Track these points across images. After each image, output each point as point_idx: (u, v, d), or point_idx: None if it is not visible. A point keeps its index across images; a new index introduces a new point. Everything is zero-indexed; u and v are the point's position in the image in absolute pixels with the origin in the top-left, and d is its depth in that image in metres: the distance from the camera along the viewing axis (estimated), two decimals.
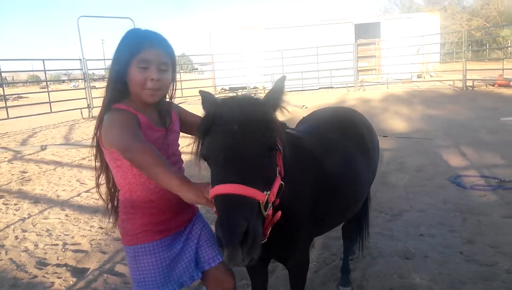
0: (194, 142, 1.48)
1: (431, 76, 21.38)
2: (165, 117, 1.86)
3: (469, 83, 15.27)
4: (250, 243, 1.20)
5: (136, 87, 1.71)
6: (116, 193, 1.91)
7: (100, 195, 1.95)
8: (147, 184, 1.76)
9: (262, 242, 1.34)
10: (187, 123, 1.99)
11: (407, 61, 18.76)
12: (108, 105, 1.72)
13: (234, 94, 1.55)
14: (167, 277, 1.84)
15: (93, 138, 1.83)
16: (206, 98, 1.64)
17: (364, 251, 3.34)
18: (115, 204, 1.94)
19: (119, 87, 1.74)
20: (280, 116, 1.87)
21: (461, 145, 6.99)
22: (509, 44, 27.17)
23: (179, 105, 2.07)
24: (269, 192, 1.33)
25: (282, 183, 1.47)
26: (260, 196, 1.29)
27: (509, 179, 4.96)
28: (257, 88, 20.05)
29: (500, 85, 14.65)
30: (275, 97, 1.54)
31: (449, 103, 12.12)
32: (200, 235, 1.96)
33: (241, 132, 1.33)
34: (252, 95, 1.52)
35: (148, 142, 1.59)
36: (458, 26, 41.02)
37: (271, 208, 1.36)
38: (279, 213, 1.43)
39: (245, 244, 1.19)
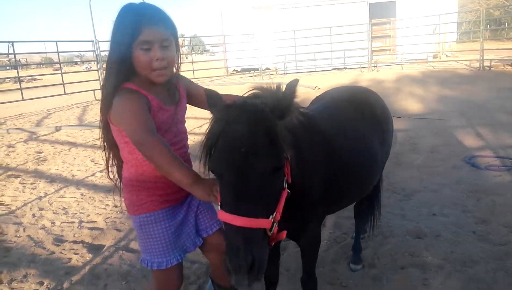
0: (201, 154, 1.44)
1: (447, 56, 20.91)
2: (174, 93, 1.86)
3: (486, 63, 14.91)
4: (255, 271, 1.27)
5: (143, 70, 1.70)
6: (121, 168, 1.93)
7: (109, 177, 1.99)
8: None
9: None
10: (195, 96, 1.99)
11: (422, 41, 18.34)
12: (115, 87, 1.69)
13: (242, 101, 1.44)
14: (173, 244, 1.91)
15: (101, 121, 1.83)
16: (213, 102, 1.56)
17: (375, 230, 3.34)
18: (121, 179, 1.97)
19: (125, 68, 1.70)
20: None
21: (477, 125, 6.88)
22: None
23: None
24: (275, 214, 1.37)
25: (289, 191, 1.49)
26: (266, 224, 1.32)
27: None
28: (269, 69, 19.88)
29: None
30: (285, 105, 1.44)
31: (465, 84, 11.87)
32: (199, 203, 2.03)
33: (248, 155, 1.30)
34: (261, 103, 1.40)
35: (158, 124, 1.67)
36: (476, 4, 39.77)
37: (276, 226, 1.38)
38: (284, 233, 1.46)
39: (252, 273, 1.26)
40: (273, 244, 1.43)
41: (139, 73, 1.72)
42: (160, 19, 1.70)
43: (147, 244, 1.89)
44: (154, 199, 1.85)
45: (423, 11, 18.89)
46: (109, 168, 1.97)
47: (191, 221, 2.00)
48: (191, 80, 2.09)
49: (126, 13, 1.70)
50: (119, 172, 1.96)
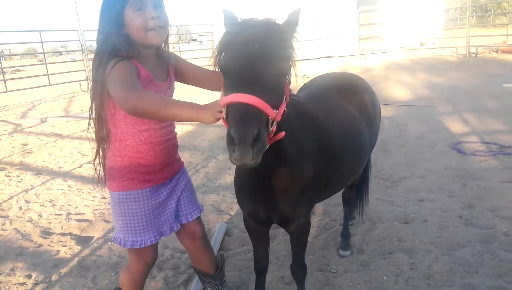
0: (212, 54, 1.52)
1: (434, 43, 21.01)
2: (164, 70, 1.86)
3: (472, 50, 15.04)
4: (259, 145, 1.30)
5: (139, 32, 1.68)
6: (106, 142, 1.88)
7: (96, 167, 1.95)
8: (138, 135, 1.80)
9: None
10: (186, 74, 1.99)
11: (409, 28, 18.39)
12: (110, 56, 1.66)
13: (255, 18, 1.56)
14: (150, 225, 1.92)
15: (92, 108, 1.79)
16: (229, 16, 1.60)
17: (363, 217, 3.37)
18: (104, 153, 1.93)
19: (121, 40, 1.68)
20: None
21: (463, 112, 6.95)
22: None
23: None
24: (277, 111, 1.41)
25: (286, 109, 1.52)
26: (271, 112, 1.37)
27: (510, 145, 4.95)
28: None
29: (504, 52, 14.43)
30: (291, 27, 1.55)
31: (452, 70, 11.98)
32: (183, 189, 2.04)
33: (261, 49, 1.39)
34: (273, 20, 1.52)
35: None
36: None
37: (275, 125, 1.43)
38: (283, 133, 1.52)
39: (255, 146, 1.29)
40: (268, 145, 1.46)
41: (136, 39, 1.71)
42: None
43: (123, 222, 1.89)
44: (135, 176, 1.84)
45: None
46: (98, 159, 1.94)
47: (172, 205, 2.00)
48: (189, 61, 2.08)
49: None
50: (103, 143, 1.91)
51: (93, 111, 1.79)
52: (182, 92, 5.81)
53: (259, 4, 19.96)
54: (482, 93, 8.32)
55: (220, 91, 1.57)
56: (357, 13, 18.46)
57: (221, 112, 1.41)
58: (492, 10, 32.53)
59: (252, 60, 1.38)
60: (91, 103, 1.79)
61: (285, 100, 1.53)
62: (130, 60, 1.68)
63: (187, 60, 2.05)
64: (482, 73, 10.94)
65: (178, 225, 2.05)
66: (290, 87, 1.87)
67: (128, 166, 1.82)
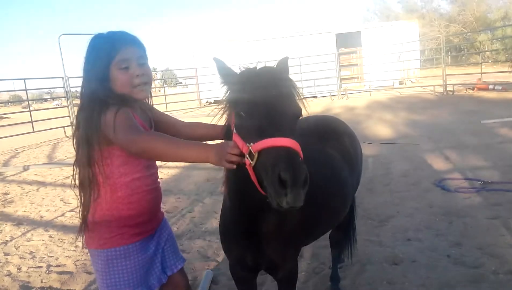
0: (225, 104, 1.60)
1: (412, 82, 21.75)
2: (148, 120, 1.88)
3: (449, 88, 15.58)
4: (308, 186, 1.33)
5: (124, 88, 1.70)
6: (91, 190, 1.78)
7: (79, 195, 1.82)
8: (131, 184, 1.76)
9: None
10: (161, 122, 1.99)
11: (388, 69, 19.06)
12: (101, 106, 1.64)
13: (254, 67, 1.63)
14: (140, 280, 1.85)
15: (79, 154, 1.74)
16: (221, 65, 1.64)
17: (353, 259, 3.33)
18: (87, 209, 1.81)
19: (107, 93, 1.69)
20: None
21: (445, 149, 7.09)
22: (486, 49, 27.85)
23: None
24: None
25: None
26: (301, 155, 1.40)
27: (492, 181, 5.03)
28: None
29: (480, 89, 14.97)
30: (286, 72, 1.65)
31: (431, 108, 12.33)
32: (166, 239, 2.00)
33: (280, 91, 1.46)
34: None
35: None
36: (436, 32, 41.91)
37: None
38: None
39: (306, 186, 1.32)
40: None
41: (121, 93, 1.71)
42: (132, 38, 1.76)
43: (112, 281, 1.80)
44: (125, 231, 1.77)
45: (387, 40, 19.75)
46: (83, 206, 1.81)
47: (158, 257, 1.96)
48: (164, 112, 2.11)
49: (98, 39, 1.74)
50: (84, 212, 1.81)
51: (82, 160, 1.73)
52: None
53: (245, 52, 20.58)
54: (462, 130, 8.53)
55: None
56: (337, 55, 19.11)
57: (234, 154, 1.43)
58: (466, 50, 34.05)
59: (276, 102, 1.43)
60: (78, 151, 1.73)
61: None
62: (127, 107, 1.68)
63: (167, 109, 2.08)
64: (460, 110, 11.27)
65: (166, 276, 1.99)
66: None
67: (117, 219, 1.76)
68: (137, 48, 1.75)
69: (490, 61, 25.87)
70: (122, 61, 1.68)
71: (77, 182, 1.79)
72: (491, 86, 14.64)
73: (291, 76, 1.66)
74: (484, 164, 5.94)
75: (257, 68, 1.58)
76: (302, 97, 1.61)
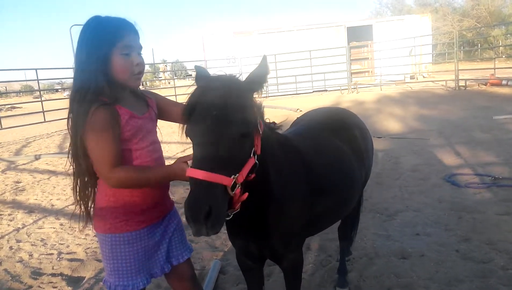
0: (181, 124, 1.60)
1: (423, 76, 21.51)
2: (142, 104, 1.87)
3: (461, 83, 15.37)
4: (212, 221, 1.35)
5: (124, 74, 1.71)
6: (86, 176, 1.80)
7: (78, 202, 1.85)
8: None
9: (234, 212, 1.51)
10: (166, 111, 1.99)
11: (399, 63, 18.86)
12: (94, 94, 1.64)
13: (220, 74, 1.62)
14: (142, 268, 1.87)
15: (73, 144, 1.72)
16: (200, 73, 1.70)
17: (360, 252, 3.33)
18: (91, 193, 1.85)
19: (103, 79, 1.67)
20: (274, 119, 1.91)
21: (455, 144, 7.03)
22: (500, 44, 27.42)
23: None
24: (237, 175, 1.44)
25: (257, 162, 1.56)
26: (226, 181, 1.40)
27: (503, 177, 4.99)
28: None
29: (492, 84, 14.76)
30: (258, 77, 1.60)
31: (442, 103, 12.19)
32: (175, 229, 2.01)
33: (216, 119, 1.42)
34: (237, 76, 1.61)
35: (132, 131, 1.72)
36: (449, 27, 41.34)
37: (239, 187, 1.46)
38: (246, 194, 1.51)
39: (208, 221, 1.34)
40: (237, 206, 1.51)
41: (117, 79, 1.71)
42: (134, 28, 1.76)
43: (115, 265, 1.82)
44: (129, 218, 1.79)
45: (399, 34, 19.52)
46: (77, 193, 1.84)
47: (164, 246, 1.97)
48: (170, 99, 2.11)
49: (100, 22, 1.71)
50: (89, 197, 1.85)
51: (75, 148, 1.72)
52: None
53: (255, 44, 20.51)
54: (473, 126, 8.44)
55: None
56: (347, 48, 18.96)
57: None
58: (479, 45, 33.56)
59: (207, 129, 1.42)
60: (72, 139, 1.73)
61: (254, 154, 1.55)
62: (111, 106, 1.67)
63: (170, 97, 2.08)
64: (472, 106, 11.14)
65: (169, 266, 2.00)
66: (281, 123, 1.93)
67: (122, 206, 1.77)
68: (137, 37, 1.76)
69: (503, 56, 25.44)
70: (125, 47, 1.68)
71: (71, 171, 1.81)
72: (504, 82, 14.41)
73: (265, 82, 1.62)
74: (495, 160, 5.88)
75: (219, 83, 1.53)
76: (255, 117, 1.53)
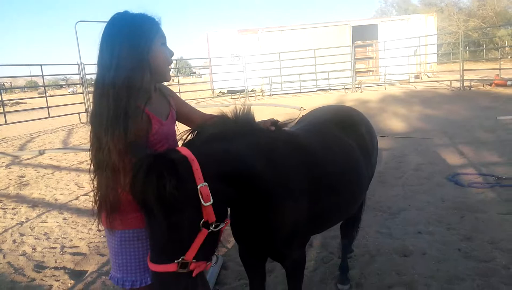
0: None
1: (428, 76, 21.44)
2: (166, 103, 1.85)
3: (466, 83, 15.31)
4: None
5: (165, 65, 1.69)
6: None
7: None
8: None
9: (210, 264, 1.59)
10: (181, 113, 1.97)
11: (404, 62, 18.81)
12: (142, 95, 1.58)
13: (145, 164, 1.41)
14: None
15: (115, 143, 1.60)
16: (136, 154, 1.55)
17: (362, 249, 3.34)
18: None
19: (149, 73, 1.61)
20: (278, 117, 1.90)
21: (459, 144, 7.00)
22: (505, 44, 27.27)
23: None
24: (182, 257, 1.43)
25: (213, 229, 1.49)
26: (170, 267, 1.43)
27: (507, 177, 4.97)
28: (255, 90, 20.08)
29: (498, 85, 14.70)
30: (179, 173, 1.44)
31: (446, 103, 12.15)
32: None
33: (145, 212, 1.46)
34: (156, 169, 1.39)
35: (160, 138, 1.70)
36: (455, 27, 41.15)
37: (193, 262, 1.46)
38: (207, 264, 1.55)
39: None
40: (208, 267, 1.57)
41: (159, 73, 1.68)
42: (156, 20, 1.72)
43: (123, 261, 1.82)
44: (139, 214, 1.73)
45: (404, 33, 19.46)
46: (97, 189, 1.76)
47: None
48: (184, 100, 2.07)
49: (137, 15, 1.66)
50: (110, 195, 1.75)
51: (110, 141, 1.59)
52: None
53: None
54: (477, 126, 8.41)
55: None
56: (352, 47, 18.92)
57: None
58: (485, 45, 33.39)
59: (147, 223, 1.49)
60: (106, 133, 1.58)
61: (203, 225, 1.46)
62: (148, 115, 1.64)
63: (184, 95, 2.05)
64: (476, 106, 11.09)
65: None
66: (287, 119, 1.93)
67: (133, 201, 1.76)
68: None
69: (509, 57, 25.31)
70: (162, 37, 1.67)
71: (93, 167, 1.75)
72: (509, 82, 14.35)
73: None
74: (499, 160, 5.86)
75: (137, 175, 1.42)
76: (169, 206, 1.40)
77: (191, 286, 1.48)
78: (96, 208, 1.80)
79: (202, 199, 1.44)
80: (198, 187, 1.44)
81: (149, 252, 1.48)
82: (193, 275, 1.50)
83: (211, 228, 1.48)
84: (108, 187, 1.70)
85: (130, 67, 1.57)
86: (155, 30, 1.65)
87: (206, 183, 1.46)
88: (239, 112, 1.76)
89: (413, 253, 3.34)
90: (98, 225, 1.82)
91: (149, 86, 1.63)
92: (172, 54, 1.74)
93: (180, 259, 1.42)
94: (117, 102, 1.55)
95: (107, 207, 1.75)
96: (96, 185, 1.76)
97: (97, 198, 1.77)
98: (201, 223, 1.46)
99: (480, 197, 4.51)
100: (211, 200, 1.46)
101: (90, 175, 1.77)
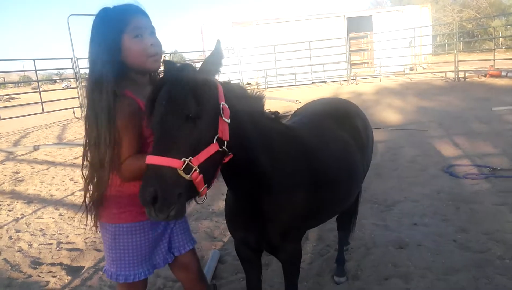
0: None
1: (423, 68, 21.44)
2: None
3: (461, 74, 15.33)
4: (159, 204, 1.35)
5: (140, 57, 1.69)
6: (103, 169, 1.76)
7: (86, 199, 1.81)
8: None
9: (202, 199, 1.52)
10: None
11: (399, 54, 18.79)
12: (114, 83, 1.63)
13: (175, 63, 1.59)
14: (144, 258, 1.87)
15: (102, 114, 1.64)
16: (168, 65, 1.63)
17: (358, 242, 3.35)
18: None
19: (118, 67, 1.65)
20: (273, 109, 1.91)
21: (454, 135, 7.03)
22: (500, 35, 27.30)
23: None
24: (190, 157, 1.40)
25: (224, 149, 1.52)
26: (173, 163, 1.37)
27: (501, 167, 5.00)
28: (250, 83, 20.01)
29: (492, 76, 14.71)
30: (212, 62, 1.55)
31: (441, 95, 12.17)
32: (176, 221, 2.00)
33: (165, 107, 1.43)
34: (192, 63, 1.58)
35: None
36: (449, 18, 41.12)
37: (197, 171, 1.41)
38: (201, 176, 1.44)
39: (155, 205, 1.35)
40: (204, 192, 1.49)
41: (134, 65, 1.69)
42: (141, 10, 1.73)
43: (117, 255, 1.83)
44: (133, 209, 1.78)
45: (399, 25, 19.42)
46: (89, 188, 1.78)
47: (166, 237, 1.97)
48: None
49: (106, 12, 1.70)
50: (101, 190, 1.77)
51: (101, 137, 1.64)
52: None
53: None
54: (472, 117, 8.44)
55: None
56: (347, 39, 18.86)
57: None
58: (479, 36, 33.41)
59: (158, 119, 1.44)
60: (98, 130, 1.64)
61: (217, 140, 1.49)
62: (135, 100, 1.66)
63: None
64: (471, 97, 11.12)
65: (172, 256, 2.01)
66: (283, 113, 1.93)
67: (127, 196, 1.76)
68: (147, 18, 1.73)
69: (503, 47, 25.40)
70: (135, 29, 1.66)
71: (86, 162, 1.75)
72: (503, 73, 14.36)
73: (222, 59, 1.55)
74: (494, 151, 5.89)
75: (173, 73, 1.51)
76: (201, 100, 1.46)
77: (180, 205, 1.41)
78: (89, 203, 1.80)
79: (223, 114, 1.51)
80: (221, 104, 1.52)
81: (152, 149, 1.43)
82: (202, 192, 1.47)
83: (223, 147, 1.51)
84: (102, 181, 1.73)
85: (102, 62, 1.63)
86: (124, 24, 1.66)
87: (227, 104, 1.54)
88: (255, 92, 1.82)
89: (409, 245, 3.36)
90: (92, 220, 1.83)
91: (133, 76, 1.71)
92: (156, 43, 1.72)
93: (189, 158, 1.40)
94: (102, 95, 1.61)
95: (99, 202, 1.78)
96: (88, 180, 1.77)
97: (90, 193, 1.78)
98: (215, 137, 1.49)
99: (475, 188, 4.53)
100: (229, 120, 1.53)
101: (81, 171, 1.78)
